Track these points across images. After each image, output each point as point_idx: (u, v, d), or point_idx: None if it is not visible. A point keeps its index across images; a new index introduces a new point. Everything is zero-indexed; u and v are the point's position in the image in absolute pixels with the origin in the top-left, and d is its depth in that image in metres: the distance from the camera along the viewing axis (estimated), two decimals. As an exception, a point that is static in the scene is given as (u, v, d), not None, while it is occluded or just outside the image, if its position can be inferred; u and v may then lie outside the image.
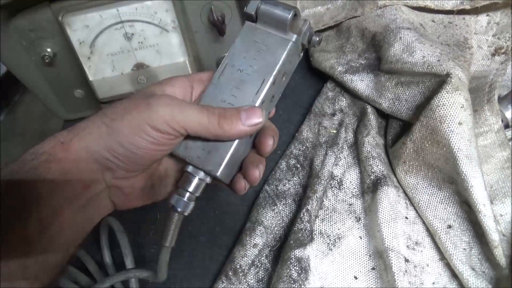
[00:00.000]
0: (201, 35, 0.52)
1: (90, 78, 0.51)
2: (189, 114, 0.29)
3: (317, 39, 0.35)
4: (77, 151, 0.29)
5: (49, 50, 0.50)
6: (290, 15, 0.32)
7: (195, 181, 0.32)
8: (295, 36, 0.33)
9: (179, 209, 0.32)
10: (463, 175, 0.40)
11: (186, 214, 0.33)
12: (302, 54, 0.36)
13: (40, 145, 0.29)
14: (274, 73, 0.32)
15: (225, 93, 0.32)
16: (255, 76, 0.33)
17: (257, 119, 0.31)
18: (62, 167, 0.28)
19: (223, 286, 0.45)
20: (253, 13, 0.33)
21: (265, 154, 0.34)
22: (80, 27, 0.47)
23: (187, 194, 0.32)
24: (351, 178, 0.50)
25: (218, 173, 0.31)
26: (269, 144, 0.33)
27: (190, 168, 0.32)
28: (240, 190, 0.34)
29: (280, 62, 0.33)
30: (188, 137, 0.31)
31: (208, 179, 0.32)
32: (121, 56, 0.50)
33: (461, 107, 0.42)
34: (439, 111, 0.42)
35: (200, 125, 0.30)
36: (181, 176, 0.33)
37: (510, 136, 0.47)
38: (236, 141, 0.32)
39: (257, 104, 0.32)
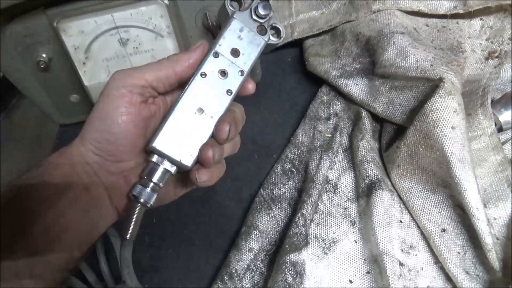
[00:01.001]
0: (196, 40, 0.53)
1: (85, 83, 0.51)
2: (143, 67, 0.32)
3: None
4: (72, 156, 0.32)
5: (44, 55, 0.50)
6: None
7: (159, 171, 0.32)
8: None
9: (141, 200, 0.32)
10: (457, 179, 0.40)
11: (149, 206, 0.32)
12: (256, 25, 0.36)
13: (45, 158, 0.32)
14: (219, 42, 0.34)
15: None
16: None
17: (197, 44, 0.34)
18: (62, 173, 0.31)
19: (218, 290, 0.45)
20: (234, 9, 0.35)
21: (220, 141, 0.33)
22: (75, 33, 0.47)
23: (151, 184, 0.32)
24: (346, 182, 0.50)
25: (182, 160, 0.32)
26: (225, 130, 0.33)
27: (154, 158, 0.32)
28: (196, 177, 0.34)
29: (221, 35, 0.34)
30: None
31: (173, 170, 0.33)
32: (116, 61, 0.50)
33: (454, 111, 0.42)
34: (432, 115, 0.43)
35: (154, 68, 0.32)
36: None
37: (503, 140, 0.48)
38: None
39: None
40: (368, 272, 0.44)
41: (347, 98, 0.57)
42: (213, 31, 0.50)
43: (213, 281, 0.46)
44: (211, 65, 0.34)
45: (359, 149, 0.49)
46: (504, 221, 0.42)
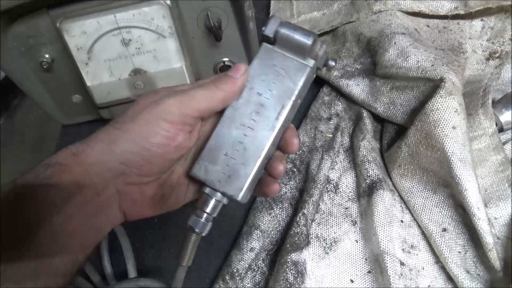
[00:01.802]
0: (198, 41, 0.53)
1: (88, 83, 0.51)
2: (195, 95, 0.31)
3: (333, 64, 0.35)
4: (89, 161, 0.30)
5: (47, 56, 0.51)
6: (310, 41, 0.32)
7: (212, 202, 0.33)
8: (313, 61, 0.33)
9: (197, 230, 0.33)
10: (457, 178, 0.41)
11: (203, 234, 0.33)
12: (314, 76, 0.36)
13: (52, 156, 0.30)
14: (293, 98, 0.33)
15: (245, 116, 0.33)
16: (274, 100, 0.33)
17: (242, 68, 0.33)
18: (73, 177, 0.29)
19: (220, 290, 0.45)
20: (271, 35, 0.33)
21: (292, 152, 0.36)
22: (78, 33, 0.48)
23: (205, 215, 0.33)
24: (347, 182, 0.50)
25: (240, 197, 0.32)
26: (296, 143, 0.35)
27: (207, 190, 0.33)
28: (275, 191, 0.35)
29: (299, 87, 0.33)
30: (208, 159, 0.32)
31: (225, 200, 0.33)
32: (119, 61, 0.50)
33: (454, 111, 0.42)
34: (433, 115, 0.43)
35: (207, 98, 0.31)
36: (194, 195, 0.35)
37: (504, 140, 0.48)
38: (258, 165, 0.32)
39: (276, 129, 0.33)
40: (369, 272, 0.44)
41: (348, 99, 0.57)
42: (215, 32, 0.50)
43: (214, 281, 0.46)
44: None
45: (360, 149, 0.50)
46: (504, 220, 0.43)
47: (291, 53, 0.34)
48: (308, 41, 0.32)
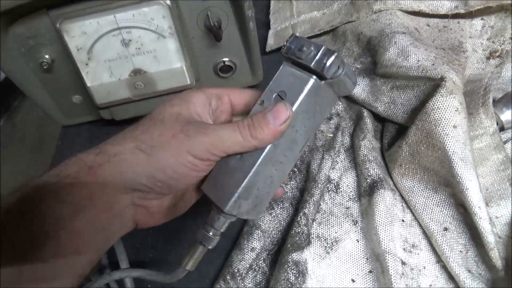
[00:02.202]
0: (198, 41, 0.53)
1: (88, 84, 0.51)
2: (226, 138, 0.30)
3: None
4: (106, 177, 0.29)
5: (47, 56, 0.51)
6: (354, 88, 0.33)
7: (225, 223, 0.34)
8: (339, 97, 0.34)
9: (204, 244, 0.34)
10: (458, 177, 0.40)
11: (210, 247, 0.34)
12: None
13: (63, 166, 0.29)
14: (315, 131, 0.33)
15: (280, 154, 0.33)
16: (304, 135, 0.33)
17: (284, 115, 0.30)
18: (87, 192, 0.28)
19: (221, 290, 0.45)
20: (329, 77, 0.31)
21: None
22: (78, 34, 0.48)
23: (213, 230, 0.34)
24: (348, 182, 0.50)
25: (257, 219, 0.35)
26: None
27: (223, 214, 0.33)
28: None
29: (321, 121, 0.34)
30: (243, 197, 0.32)
31: (234, 218, 0.34)
32: (119, 62, 0.50)
33: (455, 110, 0.42)
34: (434, 114, 0.43)
35: (237, 144, 0.30)
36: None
37: (505, 139, 0.48)
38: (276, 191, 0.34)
39: (296, 159, 0.34)
40: (370, 271, 0.44)
41: (348, 98, 0.57)
42: (215, 32, 0.50)
43: (215, 281, 0.46)
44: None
45: (361, 149, 0.50)
46: (506, 219, 0.42)
47: (334, 92, 0.33)
48: (354, 87, 0.33)
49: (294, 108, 0.31)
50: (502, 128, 0.48)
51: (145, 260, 0.50)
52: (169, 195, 0.34)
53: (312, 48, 0.30)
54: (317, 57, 0.30)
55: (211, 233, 0.34)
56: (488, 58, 0.55)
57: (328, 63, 0.30)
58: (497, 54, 0.55)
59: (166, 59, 0.51)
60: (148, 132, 0.30)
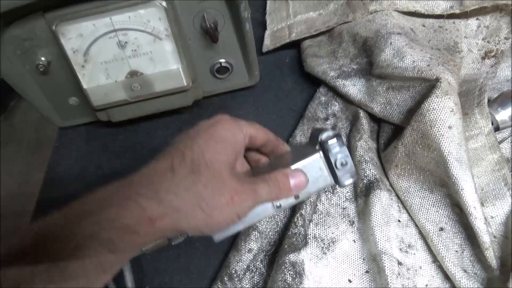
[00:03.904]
0: (194, 42, 0.53)
1: (84, 86, 0.51)
2: (264, 198, 0.33)
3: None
4: (163, 228, 0.29)
5: (43, 58, 0.51)
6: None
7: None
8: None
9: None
10: (454, 178, 0.41)
11: (173, 244, 0.37)
12: None
13: (116, 212, 0.27)
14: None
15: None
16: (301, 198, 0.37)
17: (303, 185, 0.35)
18: (141, 241, 0.28)
19: (218, 291, 0.45)
20: (339, 169, 0.34)
21: None
22: (74, 36, 0.48)
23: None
24: (345, 182, 0.50)
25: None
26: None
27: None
28: None
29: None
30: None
31: None
32: (115, 64, 0.50)
33: (450, 111, 0.42)
34: (429, 115, 0.43)
35: (266, 200, 0.34)
36: None
37: (500, 139, 0.48)
38: None
39: None
40: (367, 272, 0.44)
41: (345, 99, 0.57)
42: (211, 33, 0.50)
43: (213, 282, 0.46)
44: None
45: (357, 149, 0.50)
46: (501, 219, 0.43)
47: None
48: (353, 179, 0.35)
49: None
50: (497, 128, 0.48)
51: (143, 261, 0.50)
52: None
53: (348, 165, 0.34)
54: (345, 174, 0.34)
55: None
56: (483, 58, 0.56)
57: (347, 183, 0.35)
58: (492, 54, 0.56)
59: (162, 61, 0.51)
60: (209, 187, 0.30)
